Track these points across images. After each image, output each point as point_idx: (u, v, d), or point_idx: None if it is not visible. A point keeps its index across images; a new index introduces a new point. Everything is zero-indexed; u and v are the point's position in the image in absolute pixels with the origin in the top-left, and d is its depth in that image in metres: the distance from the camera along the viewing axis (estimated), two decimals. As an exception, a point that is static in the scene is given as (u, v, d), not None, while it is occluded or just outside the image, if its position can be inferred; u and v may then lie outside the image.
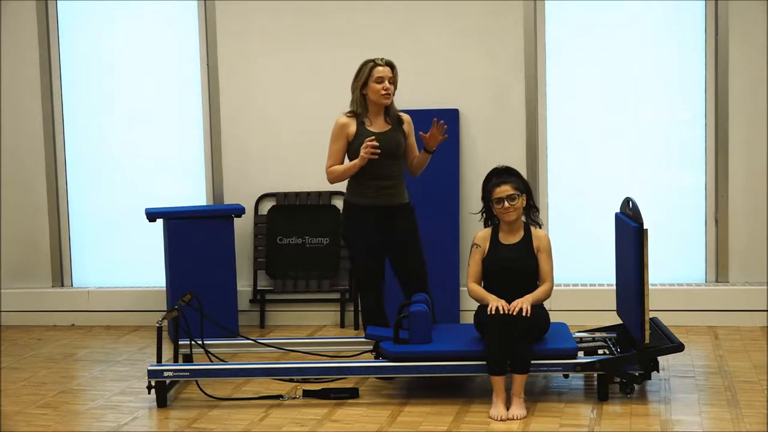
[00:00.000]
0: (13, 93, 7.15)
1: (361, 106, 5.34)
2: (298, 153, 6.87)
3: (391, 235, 5.38)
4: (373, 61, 5.32)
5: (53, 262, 7.22)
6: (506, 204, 4.98)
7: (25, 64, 7.12)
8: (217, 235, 6.46)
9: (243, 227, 6.85)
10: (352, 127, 5.33)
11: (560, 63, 6.66)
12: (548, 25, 6.61)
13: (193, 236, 6.42)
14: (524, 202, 5.06)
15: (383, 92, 5.28)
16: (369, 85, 5.30)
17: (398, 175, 5.38)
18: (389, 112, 5.38)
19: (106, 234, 7.23)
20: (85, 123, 7.21)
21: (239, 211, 6.58)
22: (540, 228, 5.15)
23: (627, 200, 5.17)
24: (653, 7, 6.55)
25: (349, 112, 5.39)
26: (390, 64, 5.33)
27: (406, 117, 5.46)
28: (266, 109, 6.90)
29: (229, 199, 6.98)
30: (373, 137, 5.22)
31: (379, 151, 5.19)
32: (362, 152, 5.20)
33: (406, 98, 6.40)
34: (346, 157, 5.41)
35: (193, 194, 7.08)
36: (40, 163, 7.16)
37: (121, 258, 7.22)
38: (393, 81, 5.33)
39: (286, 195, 6.88)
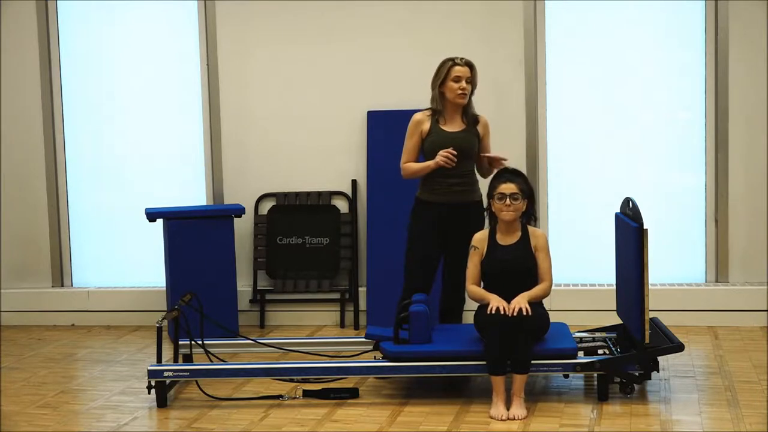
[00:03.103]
0: (13, 93, 7.15)
1: (439, 104, 5.38)
2: (298, 153, 6.87)
3: (456, 233, 5.36)
4: (452, 59, 5.36)
5: (53, 262, 7.22)
6: (508, 201, 4.98)
7: (25, 64, 7.12)
8: (217, 235, 6.46)
9: (243, 227, 6.85)
10: (426, 125, 5.39)
11: (560, 63, 6.66)
12: (548, 25, 6.61)
13: (193, 236, 6.42)
14: (524, 207, 5.07)
15: (459, 92, 5.32)
16: (447, 84, 5.34)
17: (468, 173, 5.39)
18: (466, 112, 5.41)
19: (106, 234, 7.23)
20: (85, 122, 7.21)
21: (239, 211, 6.58)
22: (534, 224, 5.16)
23: (627, 200, 5.17)
24: (653, 7, 6.55)
25: (427, 109, 5.44)
26: (469, 64, 5.36)
27: (483, 119, 5.48)
28: (266, 109, 6.90)
29: (229, 199, 6.98)
30: (452, 148, 5.24)
31: (455, 162, 5.24)
32: (438, 158, 5.24)
33: (407, 98, 6.41)
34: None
35: (193, 194, 7.08)
36: (40, 162, 7.16)
37: (121, 258, 7.22)
38: (471, 81, 5.35)
39: (286, 195, 6.87)
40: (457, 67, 5.33)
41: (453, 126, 5.39)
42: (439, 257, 5.47)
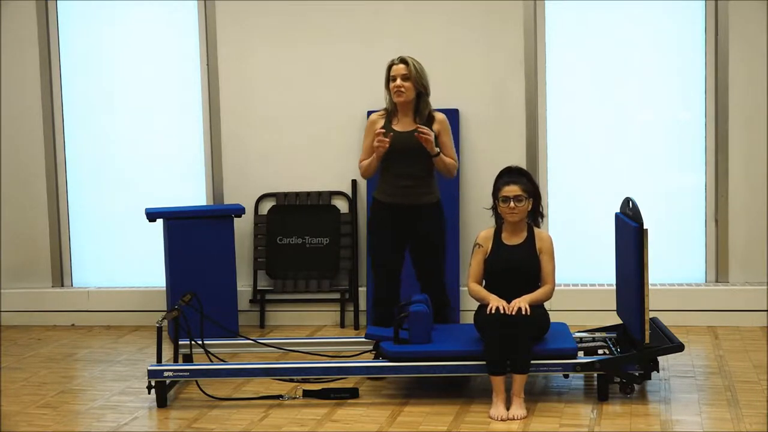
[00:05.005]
0: (13, 93, 7.16)
1: (390, 104, 5.43)
2: (298, 153, 6.87)
3: (411, 234, 5.41)
4: (392, 60, 5.39)
5: (53, 262, 7.22)
6: (512, 204, 4.98)
7: (25, 63, 7.12)
8: (217, 235, 6.46)
9: (243, 227, 6.85)
10: (379, 124, 5.41)
11: (560, 63, 6.66)
12: (548, 25, 6.61)
13: (193, 236, 6.42)
14: (530, 206, 5.06)
15: (395, 90, 5.34)
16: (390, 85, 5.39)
17: (420, 175, 5.37)
18: (419, 111, 5.39)
19: (106, 234, 7.24)
20: (85, 122, 7.21)
21: (239, 211, 6.58)
22: (539, 225, 5.16)
23: (627, 200, 5.17)
24: (653, 7, 6.55)
25: (383, 109, 5.48)
26: (404, 61, 5.36)
27: (438, 116, 5.43)
28: (266, 109, 6.91)
29: (229, 199, 6.98)
30: (384, 131, 5.25)
31: (387, 142, 5.21)
32: (374, 143, 5.27)
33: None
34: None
35: (193, 194, 7.08)
36: (40, 162, 7.16)
37: (121, 258, 7.22)
38: (408, 77, 5.32)
39: (286, 195, 6.88)
40: (393, 67, 5.36)
41: (403, 126, 5.37)
42: (400, 253, 5.47)
